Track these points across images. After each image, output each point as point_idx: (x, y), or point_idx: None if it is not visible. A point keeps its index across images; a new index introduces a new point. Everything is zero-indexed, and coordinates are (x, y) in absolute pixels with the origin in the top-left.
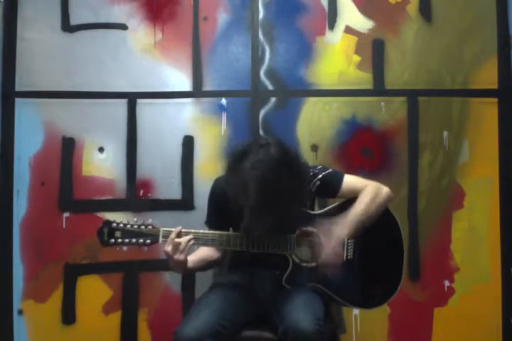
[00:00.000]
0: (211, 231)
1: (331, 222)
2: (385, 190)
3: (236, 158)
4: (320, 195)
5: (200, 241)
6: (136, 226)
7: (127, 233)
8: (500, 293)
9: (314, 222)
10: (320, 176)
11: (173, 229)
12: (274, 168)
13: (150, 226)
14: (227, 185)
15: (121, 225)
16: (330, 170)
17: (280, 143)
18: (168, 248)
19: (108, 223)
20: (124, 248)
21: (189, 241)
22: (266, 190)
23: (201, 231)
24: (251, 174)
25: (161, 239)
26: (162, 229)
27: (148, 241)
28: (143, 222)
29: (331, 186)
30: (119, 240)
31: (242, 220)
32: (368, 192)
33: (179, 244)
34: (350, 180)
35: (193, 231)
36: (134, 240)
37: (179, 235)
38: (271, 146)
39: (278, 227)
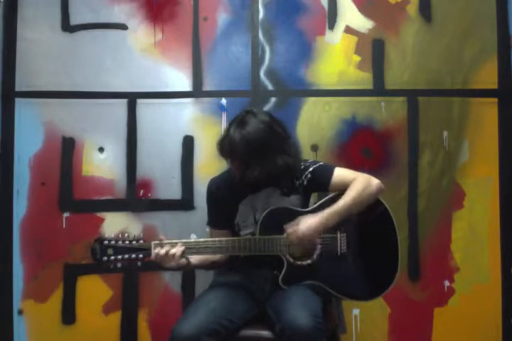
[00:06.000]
0: (203, 239)
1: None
2: (374, 182)
3: (229, 124)
4: (312, 188)
5: (192, 250)
6: (127, 242)
7: (119, 249)
8: (500, 293)
9: None
10: (311, 169)
11: (164, 241)
12: (258, 128)
13: (141, 241)
14: (221, 148)
15: (113, 242)
16: (321, 163)
17: (265, 111)
18: (157, 260)
19: (99, 241)
20: (118, 264)
21: (177, 252)
22: (251, 145)
23: (193, 239)
24: (237, 133)
25: (153, 253)
26: (153, 242)
27: (141, 255)
28: (134, 237)
29: (321, 179)
30: (112, 257)
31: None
32: (356, 185)
33: (167, 257)
34: (341, 173)
35: (184, 240)
36: (126, 256)
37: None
38: (256, 113)
39: (266, 177)
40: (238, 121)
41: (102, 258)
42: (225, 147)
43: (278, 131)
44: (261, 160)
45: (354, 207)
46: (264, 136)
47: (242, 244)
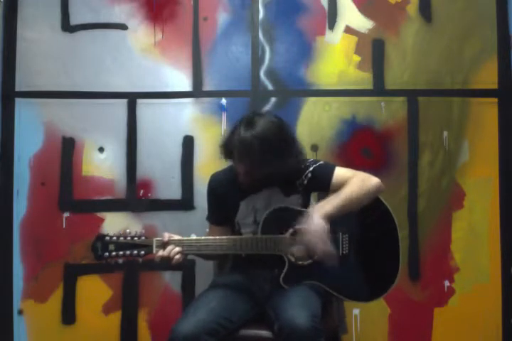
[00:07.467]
0: (203, 237)
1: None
2: (373, 181)
3: (234, 125)
4: (312, 187)
5: (193, 248)
6: (129, 238)
7: (121, 245)
8: (500, 293)
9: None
10: (311, 168)
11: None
12: (269, 128)
13: (143, 237)
14: (226, 150)
15: (115, 238)
16: (321, 163)
17: (271, 114)
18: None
19: (101, 237)
20: (120, 260)
21: (177, 253)
22: (264, 145)
23: (194, 237)
24: (244, 137)
25: (154, 249)
26: (155, 239)
27: (143, 252)
28: (135, 233)
29: (322, 178)
30: (114, 253)
31: (237, 213)
32: (354, 181)
33: (167, 258)
34: (341, 172)
35: (186, 238)
36: (128, 252)
37: (167, 244)
38: (264, 114)
39: (271, 181)
40: (247, 122)
41: (103, 253)
42: (236, 148)
43: (288, 132)
44: (272, 161)
45: (348, 204)
46: (275, 136)
47: (244, 242)
